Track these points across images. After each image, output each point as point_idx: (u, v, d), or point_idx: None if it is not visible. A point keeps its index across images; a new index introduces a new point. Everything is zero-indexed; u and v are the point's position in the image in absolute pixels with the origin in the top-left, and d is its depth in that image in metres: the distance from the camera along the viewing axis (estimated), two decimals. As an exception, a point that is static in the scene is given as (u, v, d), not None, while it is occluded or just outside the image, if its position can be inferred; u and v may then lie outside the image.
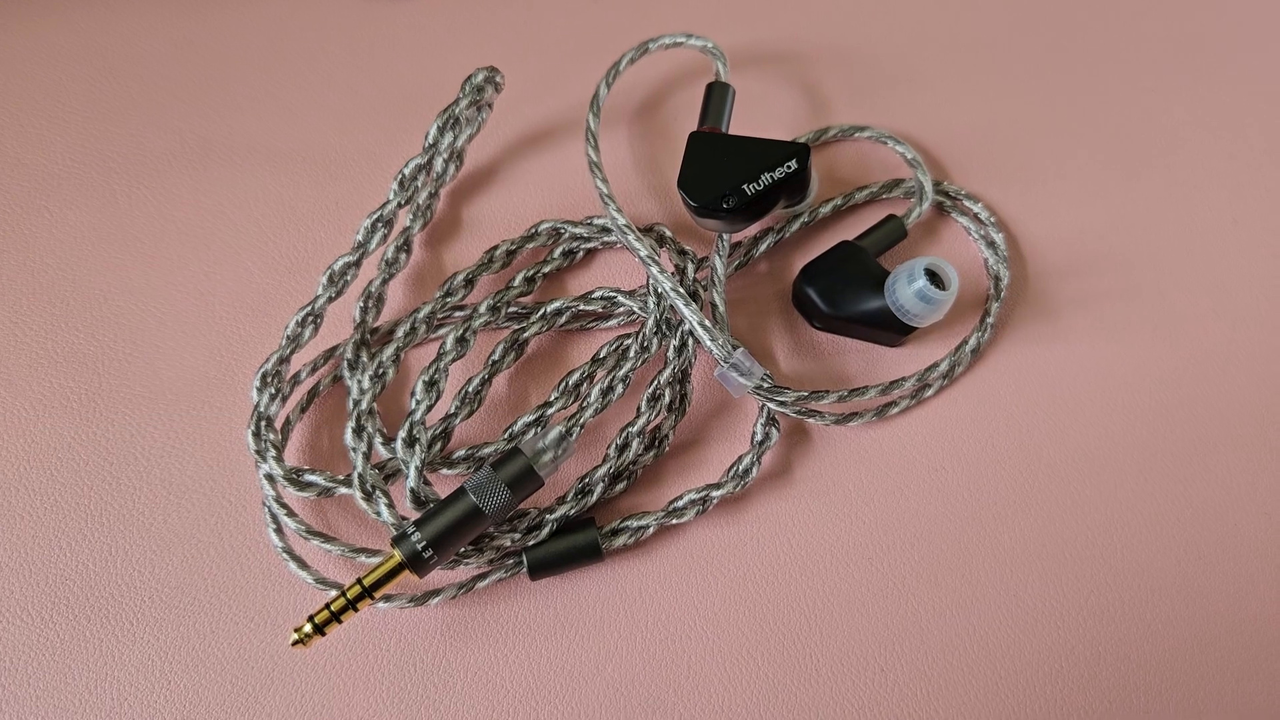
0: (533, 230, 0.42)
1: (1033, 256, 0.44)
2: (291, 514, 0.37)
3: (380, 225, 0.39)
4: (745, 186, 0.39)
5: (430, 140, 0.39)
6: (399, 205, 0.39)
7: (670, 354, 0.39)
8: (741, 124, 0.46)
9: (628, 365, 0.38)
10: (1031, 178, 0.46)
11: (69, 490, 0.38)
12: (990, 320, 0.42)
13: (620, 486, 0.38)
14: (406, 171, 0.39)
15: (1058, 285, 0.44)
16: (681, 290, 0.38)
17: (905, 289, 0.38)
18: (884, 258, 0.44)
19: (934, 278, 0.38)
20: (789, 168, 0.39)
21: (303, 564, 0.36)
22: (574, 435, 0.36)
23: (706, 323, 0.37)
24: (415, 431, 0.36)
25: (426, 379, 0.37)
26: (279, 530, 0.37)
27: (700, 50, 0.44)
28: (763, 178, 0.39)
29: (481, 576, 0.37)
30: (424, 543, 0.34)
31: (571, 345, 0.42)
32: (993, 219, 0.44)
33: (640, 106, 0.47)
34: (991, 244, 0.44)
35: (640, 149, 0.46)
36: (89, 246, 0.43)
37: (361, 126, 0.46)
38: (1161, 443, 0.41)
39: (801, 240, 0.44)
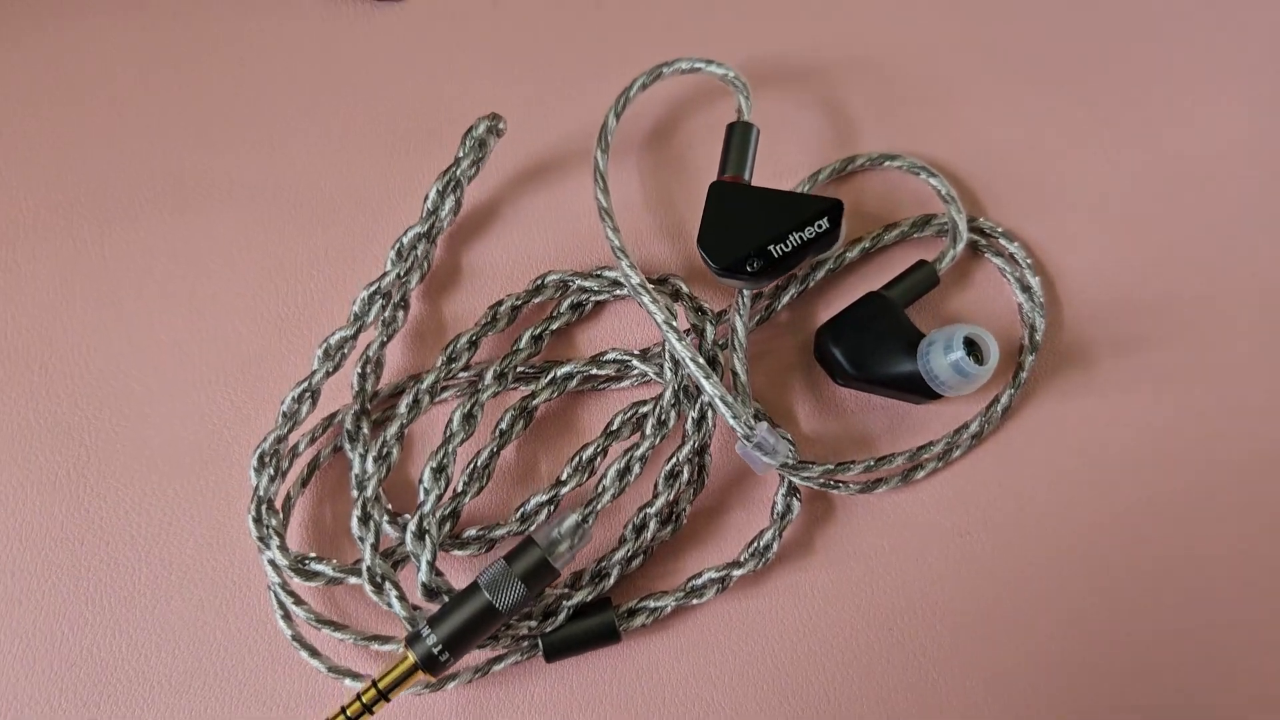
0: (538, 282, 0.39)
1: (1069, 297, 0.42)
2: (299, 601, 0.36)
3: (378, 297, 0.36)
4: (772, 247, 0.36)
5: (430, 206, 0.36)
6: (398, 277, 0.36)
7: (689, 427, 0.37)
8: (762, 149, 0.42)
9: (645, 445, 0.36)
10: (1070, 206, 0.43)
11: (65, 573, 0.37)
12: (1024, 374, 0.40)
13: (636, 563, 0.37)
14: (405, 240, 0.36)
15: (1095, 329, 0.41)
16: (701, 360, 0.35)
17: (940, 358, 0.36)
18: (915, 306, 0.41)
19: (972, 347, 0.36)
20: (820, 227, 0.36)
21: (314, 652, 0.35)
22: (590, 522, 0.35)
23: (728, 396, 0.35)
24: (425, 524, 0.34)
25: (434, 465, 0.35)
26: (287, 617, 0.36)
27: (721, 76, 0.40)
28: (791, 238, 0.36)
29: (498, 659, 0.36)
30: (439, 645, 0.32)
31: (583, 406, 0.40)
32: (1029, 260, 0.41)
33: (652, 133, 0.43)
34: (1027, 288, 0.41)
35: (651, 183, 0.42)
36: (61, 303, 0.40)
37: (350, 160, 0.42)
38: (1208, 505, 0.39)
39: (826, 286, 0.41)
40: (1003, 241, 0.42)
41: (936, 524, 0.39)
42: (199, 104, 0.43)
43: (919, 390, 0.37)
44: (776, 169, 0.43)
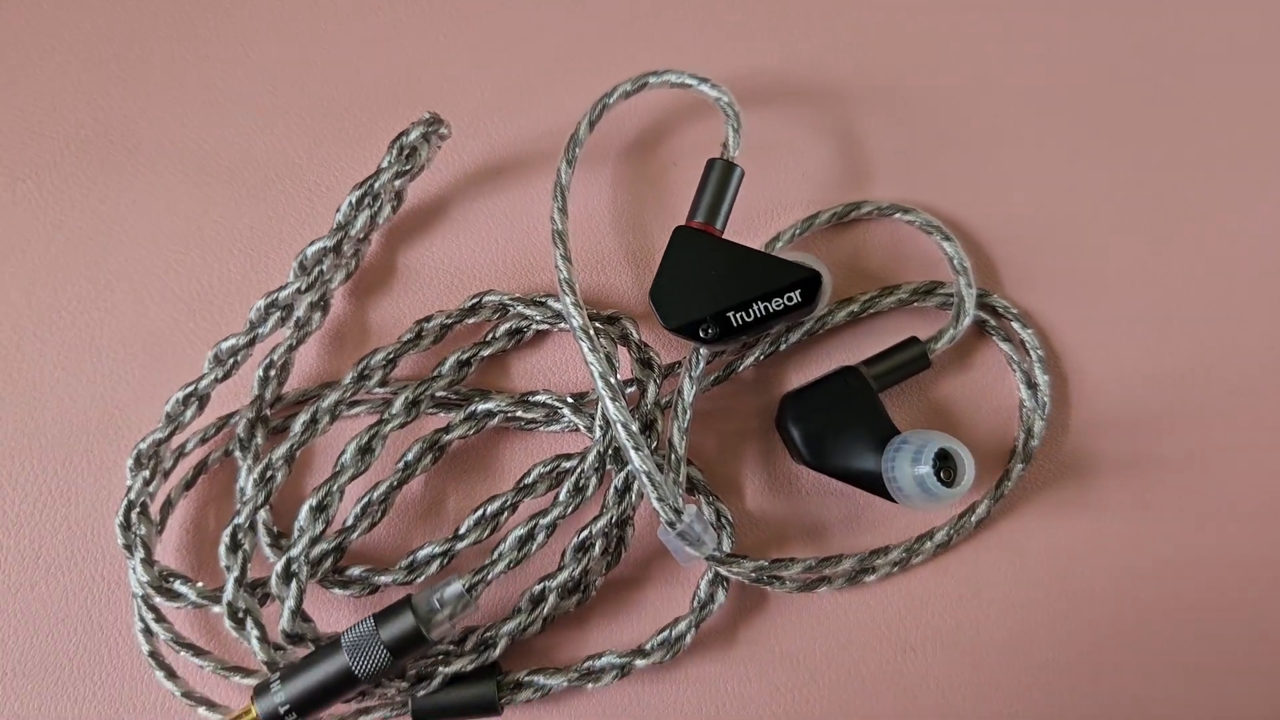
0: (475, 301, 0.35)
1: (1080, 401, 0.36)
2: (160, 618, 0.33)
3: (275, 309, 0.32)
4: (732, 315, 0.31)
5: (341, 219, 0.31)
6: (298, 291, 0.32)
7: (610, 497, 0.32)
8: (759, 175, 0.37)
9: (555, 512, 0.32)
10: (1100, 298, 0.37)
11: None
12: (1008, 485, 0.35)
13: (532, 631, 0.33)
14: (309, 254, 0.31)
15: (1102, 443, 0.36)
16: (634, 428, 0.31)
17: (906, 467, 0.31)
18: (894, 390, 0.36)
19: (945, 461, 0.31)
20: (789, 300, 0.31)
21: (171, 674, 0.33)
22: (477, 593, 0.31)
23: (657, 474, 0.31)
24: (294, 567, 0.31)
25: (314, 503, 0.31)
26: (148, 632, 0.33)
27: (713, 100, 0.34)
28: (755, 307, 0.31)
29: (366, 710, 0.33)
30: (286, 705, 0.29)
31: (506, 443, 0.36)
32: (1041, 352, 0.36)
33: (634, 143, 0.38)
34: (1033, 385, 0.36)
35: (625, 200, 0.37)
36: (-38, 246, 0.37)
37: (294, 137, 0.37)
38: (1188, 661, 0.34)
39: (804, 346, 0.36)
40: (1015, 325, 0.36)
41: (880, 634, 0.35)
42: (136, 53, 0.38)
43: (879, 492, 0.33)
44: (769, 203, 0.37)
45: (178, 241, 0.37)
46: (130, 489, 0.32)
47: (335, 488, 0.31)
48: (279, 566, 0.31)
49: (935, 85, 0.38)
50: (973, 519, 0.35)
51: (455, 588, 0.31)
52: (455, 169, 0.37)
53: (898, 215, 0.37)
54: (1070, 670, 0.34)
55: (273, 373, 0.34)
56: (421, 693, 0.32)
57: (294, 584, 0.31)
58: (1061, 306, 0.37)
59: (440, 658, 0.32)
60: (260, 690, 0.30)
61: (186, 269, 0.36)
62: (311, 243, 0.31)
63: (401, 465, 0.33)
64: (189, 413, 0.33)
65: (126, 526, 0.32)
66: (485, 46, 0.38)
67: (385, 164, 0.31)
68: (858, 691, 0.34)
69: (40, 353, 0.36)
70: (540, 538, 0.32)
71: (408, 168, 0.31)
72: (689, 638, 0.33)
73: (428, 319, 0.35)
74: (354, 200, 0.31)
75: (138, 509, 0.32)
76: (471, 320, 0.35)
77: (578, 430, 0.35)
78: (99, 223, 0.37)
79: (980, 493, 0.35)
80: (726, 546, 0.33)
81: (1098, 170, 0.38)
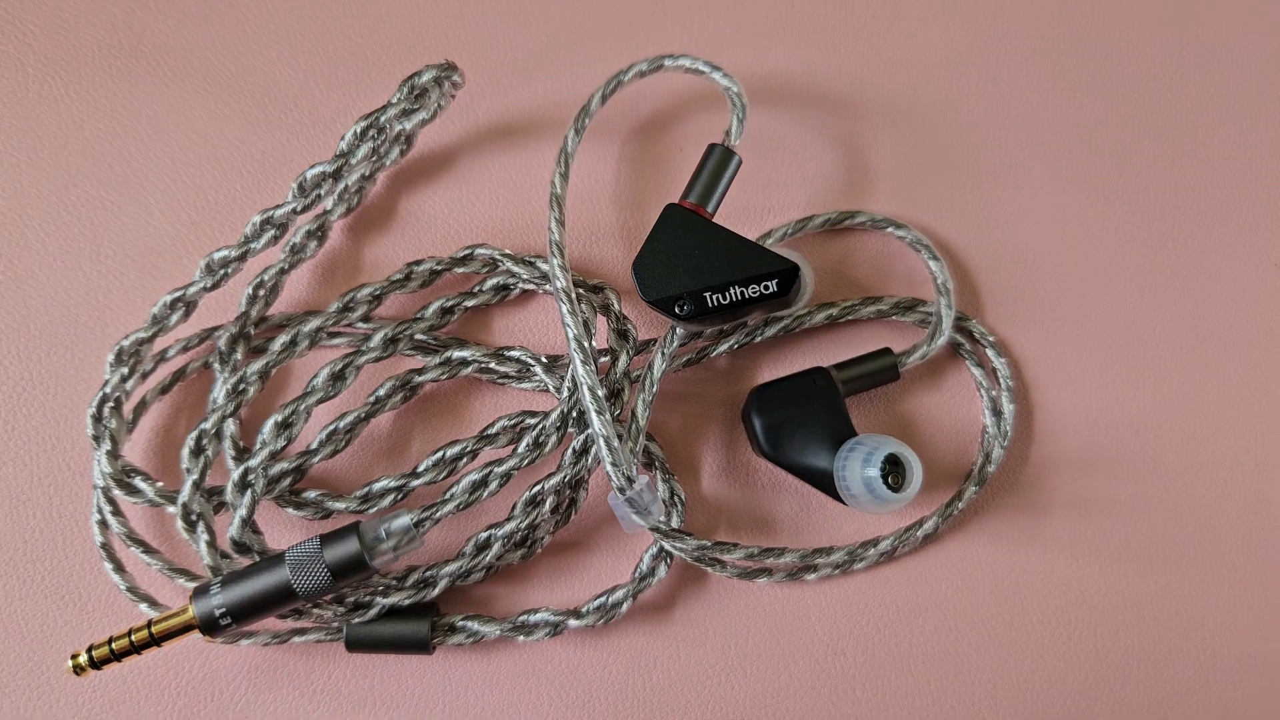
0: (467, 253, 0.36)
1: (1044, 435, 0.37)
2: (118, 512, 0.33)
3: (270, 227, 0.33)
4: (708, 295, 0.31)
5: (344, 147, 0.32)
6: (294, 211, 0.32)
7: (567, 457, 0.33)
8: (758, 172, 0.37)
9: (510, 462, 0.32)
10: (1080, 338, 0.37)
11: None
12: (959, 506, 0.35)
13: (475, 578, 0.34)
14: (308, 176, 0.32)
15: (1060, 479, 0.36)
16: (600, 392, 0.32)
17: (855, 471, 0.32)
18: (861, 397, 0.36)
19: (895, 468, 0.31)
20: (765, 288, 0.31)
21: (119, 567, 0.33)
22: (423, 529, 0.32)
23: (615, 440, 0.31)
24: (250, 477, 0.31)
25: (279, 419, 0.32)
26: (104, 524, 0.34)
27: (723, 89, 0.35)
28: (732, 290, 0.31)
29: (301, 631, 0.34)
30: (223, 609, 0.30)
31: (476, 394, 0.36)
32: (1012, 383, 0.36)
33: (644, 124, 0.38)
34: (999, 412, 0.36)
35: (628, 177, 0.38)
36: (-16, 131, 0.38)
37: (315, 66, 0.38)
38: (1113, 706, 0.35)
39: (780, 344, 0.37)
40: (989, 353, 0.37)
41: (813, 634, 0.35)
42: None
43: (829, 491, 0.33)
44: (767, 199, 0.38)
45: (188, 157, 0.38)
46: (107, 383, 0.33)
47: (303, 407, 0.32)
48: (236, 475, 0.31)
49: (947, 110, 0.39)
50: (919, 533, 0.35)
51: (403, 520, 0.31)
52: (468, 123, 0.38)
53: (890, 229, 0.37)
54: (995, 697, 0.35)
55: (261, 293, 0.35)
56: (357, 620, 0.33)
57: (249, 494, 0.31)
58: (1038, 341, 0.37)
59: (380, 589, 0.33)
60: (199, 592, 0.31)
61: (193, 184, 0.37)
62: (312, 165, 0.32)
63: (372, 399, 0.34)
64: (174, 317, 0.34)
65: (98, 418, 0.33)
66: (515, 8, 0.39)
67: (394, 100, 0.32)
68: (782, 687, 0.35)
69: (42, 242, 0.37)
70: (493, 485, 0.32)
71: (415, 107, 0.32)
72: (625, 606, 0.34)
73: (418, 262, 0.35)
74: (359, 130, 0.32)
75: (111, 403, 0.33)
76: (461, 270, 0.36)
77: (547, 391, 0.35)
78: (116, 128, 0.38)
79: (930, 509, 0.36)
80: (675, 523, 0.34)
81: (1094, 215, 0.38)
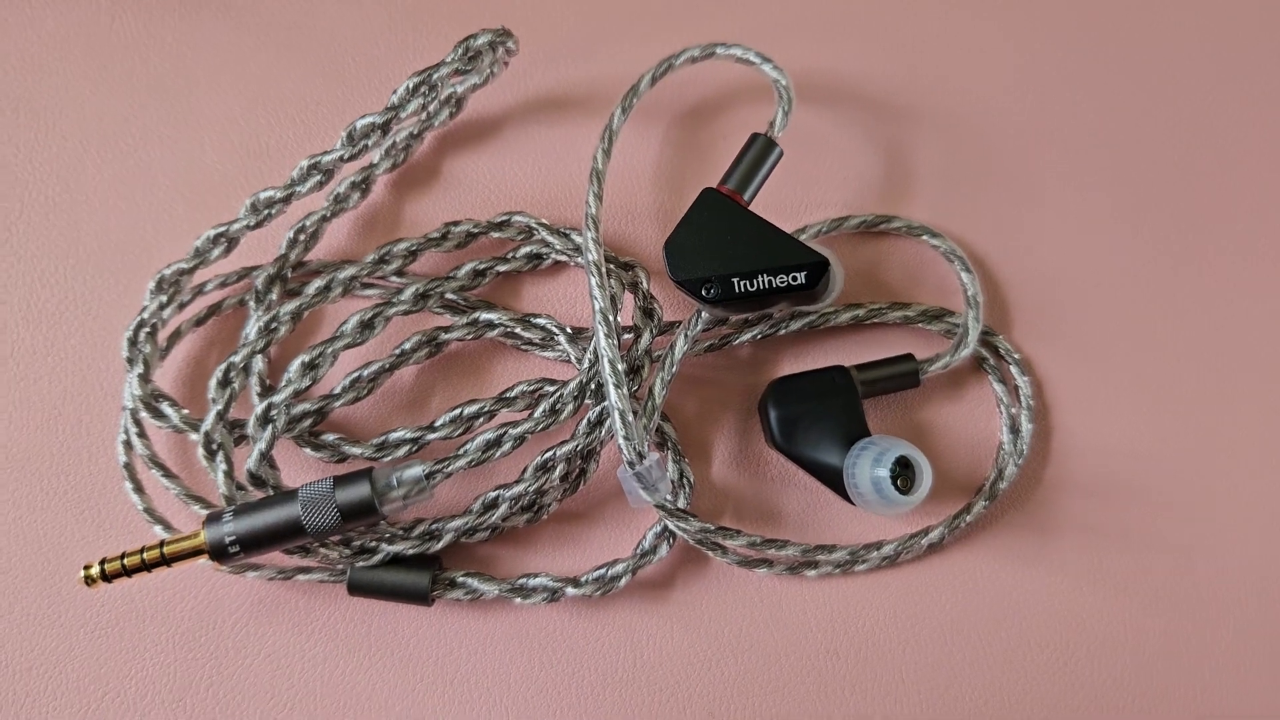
0: (505, 219, 0.36)
1: (1060, 458, 0.36)
2: (143, 434, 0.34)
3: (316, 172, 0.34)
4: (736, 280, 0.32)
5: (395, 100, 0.33)
6: (341, 159, 0.33)
7: (580, 428, 0.34)
8: (798, 169, 0.37)
9: (525, 425, 0.33)
10: (1108, 364, 0.37)
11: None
12: (967, 519, 0.35)
13: (479, 536, 0.34)
14: (358, 126, 0.33)
15: (1072, 503, 0.36)
16: (620, 365, 0.32)
17: (865, 470, 0.32)
18: (883, 400, 0.36)
19: (905, 470, 0.31)
20: (793, 279, 0.32)
21: (139, 488, 0.34)
22: (434, 481, 0.32)
23: (629, 414, 0.32)
24: (273, 412, 0.32)
25: (306, 359, 0.33)
26: (128, 445, 0.35)
27: (772, 80, 0.35)
28: (760, 278, 0.32)
29: (306, 569, 0.34)
30: (234, 537, 0.31)
31: (500, 358, 0.37)
32: (1033, 402, 0.36)
33: (692, 109, 0.39)
34: (1016, 430, 0.36)
35: (670, 161, 0.38)
36: (55, 59, 0.39)
37: (376, 25, 0.39)
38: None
39: (803, 340, 0.37)
40: (1013, 370, 0.37)
41: (808, 631, 0.35)
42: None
43: (838, 489, 0.33)
44: (805, 196, 0.38)
45: (248, 100, 0.39)
46: (145, 309, 0.34)
47: (330, 350, 0.33)
48: (259, 409, 0.32)
49: (993, 126, 0.39)
50: (924, 541, 0.35)
51: (415, 470, 0.32)
52: (518, 93, 0.39)
53: (925, 237, 0.37)
54: (984, 714, 0.35)
55: (302, 237, 0.36)
56: (361, 564, 0.33)
57: (269, 429, 0.32)
58: (1063, 363, 0.37)
59: (386, 536, 0.33)
60: (212, 519, 0.31)
61: (249, 126, 0.38)
62: (363, 116, 0.33)
63: (397, 352, 0.35)
64: (216, 251, 0.35)
65: (134, 342, 0.34)
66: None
67: (448, 59, 0.33)
68: (772, 680, 0.35)
69: (99, 170, 0.38)
70: (506, 446, 0.33)
71: (468, 69, 0.33)
72: (624, 581, 0.34)
73: (456, 223, 0.36)
74: (410, 85, 0.33)
75: (147, 329, 0.34)
76: (497, 235, 0.36)
77: (568, 361, 0.36)
78: (180, 67, 0.39)
79: (938, 519, 0.35)
80: (681, 504, 0.34)
81: (1130, 244, 0.38)
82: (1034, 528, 0.36)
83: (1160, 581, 0.36)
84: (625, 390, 0.32)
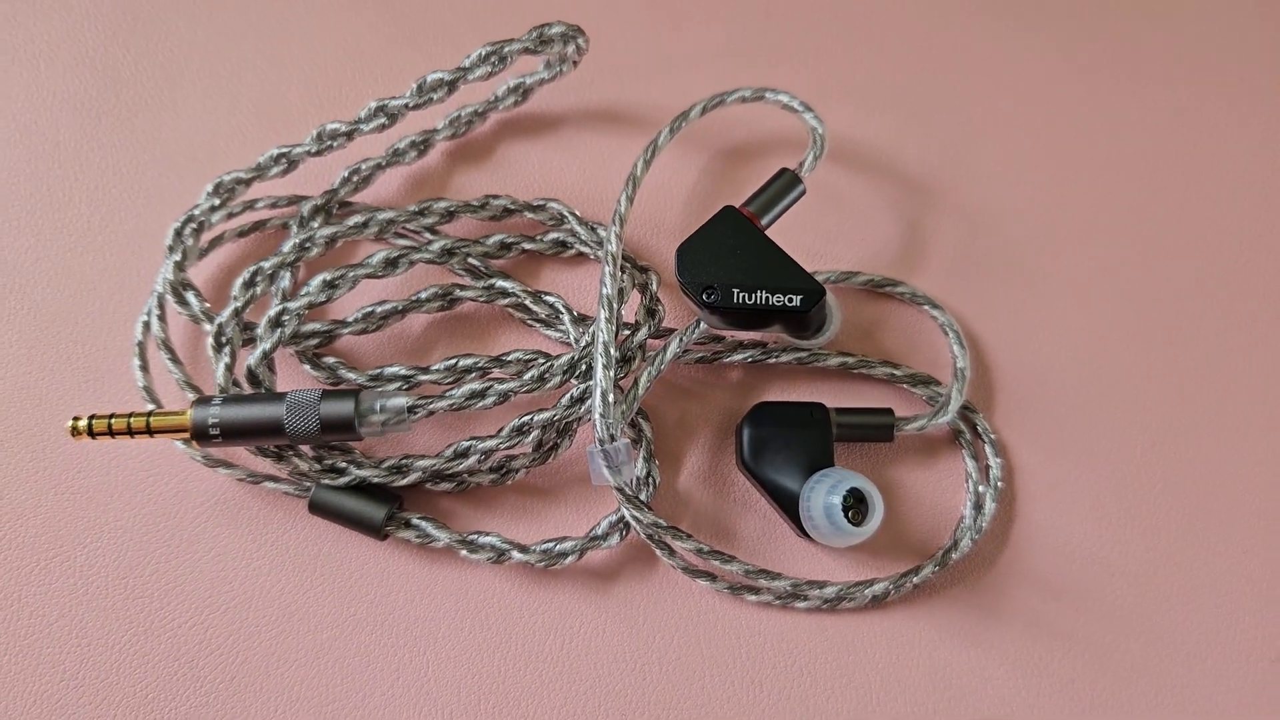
0: (542, 203, 0.39)
1: (1018, 545, 0.37)
2: (163, 318, 0.37)
3: (381, 114, 0.37)
4: (736, 291, 0.34)
5: (466, 64, 0.36)
6: (406, 106, 0.36)
7: (563, 401, 0.35)
8: (818, 220, 0.40)
9: (510, 384, 0.34)
10: (1082, 463, 0.38)
11: (42, 166, 0.40)
12: (914, 580, 0.35)
13: (445, 486, 0.36)
14: (428, 80, 0.36)
15: (1022, 594, 0.36)
16: (612, 349, 0.34)
17: (820, 496, 0.33)
18: (854, 448, 0.38)
19: (859, 503, 0.32)
20: (789, 301, 0.33)
21: (145, 366, 0.36)
22: (415, 415, 0.34)
23: (610, 395, 0.33)
24: (285, 317, 0.34)
25: (327, 278, 0.35)
26: (146, 325, 0.37)
27: (810, 127, 0.38)
28: (758, 294, 0.33)
29: (274, 479, 0.36)
30: (216, 421, 0.33)
31: (506, 329, 0.39)
32: (1001, 484, 0.37)
33: (737, 141, 0.42)
34: (980, 507, 0.37)
35: (703, 186, 0.41)
36: (182, -19, 0.43)
37: (467, 14, 0.43)
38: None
39: (793, 374, 0.38)
40: (987, 449, 0.37)
41: (738, 656, 0.35)
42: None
43: (793, 518, 0.34)
44: (820, 246, 0.40)
45: (334, 55, 0.43)
46: (197, 206, 0.37)
47: (351, 275, 0.35)
48: (273, 311, 0.34)
49: (1014, 219, 0.41)
50: (868, 591, 0.35)
51: (399, 401, 0.34)
52: (579, 99, 0.42)
53: (927, 307, 0.39)
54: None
55: (355, 178, 0.38)
56: (326, 482, 0.35)
57: (278, 332, 0.34)
58: (1039, 456, 0.38)
59: (356, 461, 0.35)
60: (200, 401, 0.33)
61: (332, 77, 0.42)
62: (434, 71, 0.36)
63: (413, 298, 0.37)
64: (275, 170, 0.37)
65: (179, 233, 0.37)
66: (658, 14, 0.43)
67: (521, 37, 0.36)
68: (691, 699, 0.35)
69: (193, 83, 0.42)
70: (489, 399, 0.34)
71: (538, 50, 0.36)
72: (570, 559, 0.35)
73: (496, 196, 0.39)
74: (483, 53, 0.36)
75: (195, 224, 0.37)
76: (530, 215, 0.39)
77: (568, 343, 0.38)
78: (278, 18, 0.43)
79: (885, 574, 0.36)
80: (642, 498, 0.35)
81: (1125, 355, 0.39)
82: (981, 608, 0.36)
83: (1097, 693, 0.35)
84: (612, 373, 0.33)
